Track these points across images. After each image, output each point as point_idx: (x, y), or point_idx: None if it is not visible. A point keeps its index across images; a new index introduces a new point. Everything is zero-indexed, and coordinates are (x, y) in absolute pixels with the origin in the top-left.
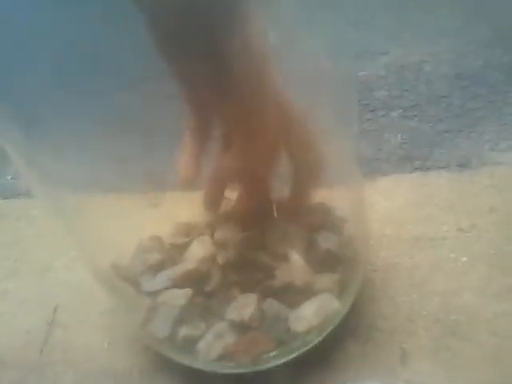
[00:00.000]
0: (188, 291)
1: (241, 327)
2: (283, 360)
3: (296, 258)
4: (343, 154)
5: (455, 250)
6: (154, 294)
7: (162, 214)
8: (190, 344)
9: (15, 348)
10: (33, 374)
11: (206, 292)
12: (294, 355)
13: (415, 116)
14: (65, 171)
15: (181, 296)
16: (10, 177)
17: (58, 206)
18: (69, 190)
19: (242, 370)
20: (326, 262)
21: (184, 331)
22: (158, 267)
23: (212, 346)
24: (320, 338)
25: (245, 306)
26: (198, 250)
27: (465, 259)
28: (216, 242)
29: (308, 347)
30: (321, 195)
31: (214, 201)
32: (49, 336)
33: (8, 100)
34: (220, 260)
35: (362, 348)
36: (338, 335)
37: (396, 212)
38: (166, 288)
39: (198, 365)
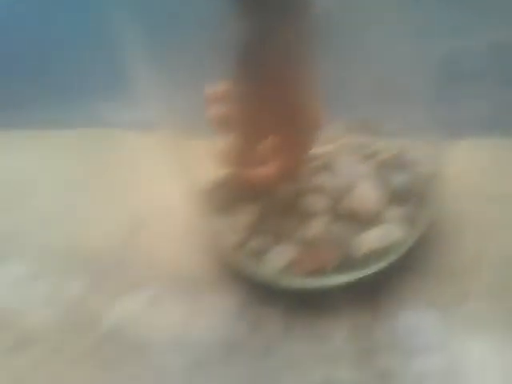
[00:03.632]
0: (257, 208)
1: (306, 244)
2: (342, 278)
3: (366, 186)
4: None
5: None
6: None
7: None
8: (258, 253)
9: (100, 245)
10: (113, 269)
11: (277, 212)
12: (353, 275)
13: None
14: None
15: (251, 212)
16: None
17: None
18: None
19: (303, 283)
20: (395, 196)
21: (253, 243)
22: None
23: (278, 257)
24: (381, 264)
25: (312, 227)
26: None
27: None
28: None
29: (368, 270)
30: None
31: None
32: (133, 240)
33: None
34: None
35: (423, 281)
36: (400, 267)
37: (477, 171)
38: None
39: (262, 275)
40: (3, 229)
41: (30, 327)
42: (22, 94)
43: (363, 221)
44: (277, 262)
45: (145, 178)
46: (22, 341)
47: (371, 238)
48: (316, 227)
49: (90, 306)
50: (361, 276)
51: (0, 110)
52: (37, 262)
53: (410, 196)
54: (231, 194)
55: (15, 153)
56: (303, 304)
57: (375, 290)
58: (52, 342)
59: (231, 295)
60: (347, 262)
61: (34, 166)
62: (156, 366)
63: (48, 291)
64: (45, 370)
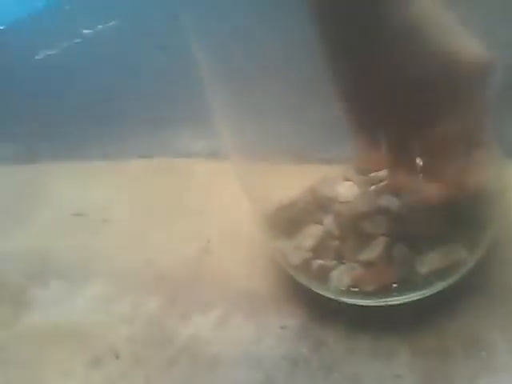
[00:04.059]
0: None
1: (368, 264)
2: (404, 296)
3: (428, 209)
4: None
5: None
6: None
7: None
8: (323, 273)
9: (173, 267)
10: (185, 289)
11: (339, 236)
12: (415, 293)
13: None
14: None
15: (315, 233)
16: None
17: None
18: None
19: (366, 301)
20: (457, 216)
21: (319, 262)
22: None
23: (343, 275)
24: (444, 284)
25: (374, 248)
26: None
27: None
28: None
29: (430, 288)
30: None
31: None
32: (203, 263)
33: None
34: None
35: (488, 303)
36: (464, 287)
37: None
38: None
39: (328, 293)
40: (84, 253)
41: (109, 342)
42: (98, 126)
43: (426, 241)
44: (340, 281)
45: (215, 204)
46: (101, 355)
47: (434, 258)
48: (377, 248)
49: (165, 323)
50: (423, 296)
51: (79, 143)
52: (115, 283)
53: (472, 215)
54: (295, 217)
55: (94, 183)
56: (366, 323)
57: (437, 309)
58: (129, 357)
59: (295, 313)
60: (409, 282)
61: (111, 195)
62: (227, 381)
63: (126, 310)
64: None
